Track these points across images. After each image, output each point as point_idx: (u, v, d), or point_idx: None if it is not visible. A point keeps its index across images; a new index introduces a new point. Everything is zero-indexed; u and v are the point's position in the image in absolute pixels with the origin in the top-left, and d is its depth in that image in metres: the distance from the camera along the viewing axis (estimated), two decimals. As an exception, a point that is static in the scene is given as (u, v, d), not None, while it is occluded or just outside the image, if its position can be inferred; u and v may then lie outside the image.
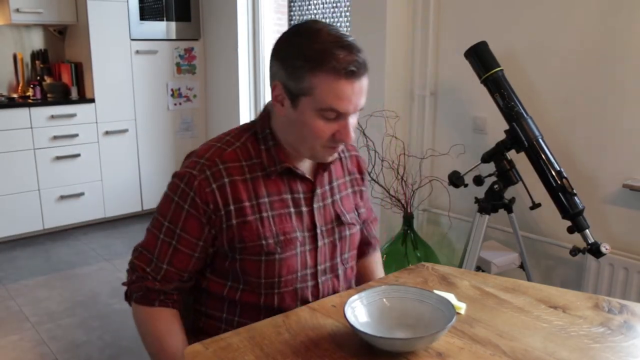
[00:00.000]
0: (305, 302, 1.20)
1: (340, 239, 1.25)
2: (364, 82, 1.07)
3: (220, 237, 1.15)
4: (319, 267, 1.22)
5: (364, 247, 1.45)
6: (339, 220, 1.24)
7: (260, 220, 1.14)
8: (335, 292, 1.26)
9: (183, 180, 1.13)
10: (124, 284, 1.21)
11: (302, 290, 1.21)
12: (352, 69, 1.03)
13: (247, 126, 1.21)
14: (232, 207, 1.12)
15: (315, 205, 1.21)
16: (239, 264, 1.15)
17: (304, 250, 1.20)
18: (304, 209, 1.19)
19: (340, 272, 1.28)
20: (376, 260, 1.50)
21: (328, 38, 1.04)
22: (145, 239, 1.19)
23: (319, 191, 1.22)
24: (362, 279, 1.44)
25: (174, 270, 1.16)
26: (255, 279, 1.16)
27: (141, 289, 1.16)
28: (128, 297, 1.21)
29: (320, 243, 1.22)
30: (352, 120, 1.09)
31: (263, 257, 1.14)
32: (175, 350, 1.14)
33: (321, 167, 1.22)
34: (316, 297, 1.22)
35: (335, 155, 1.17)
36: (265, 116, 1.20)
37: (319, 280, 1.23)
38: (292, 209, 1.18)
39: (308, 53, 1.03)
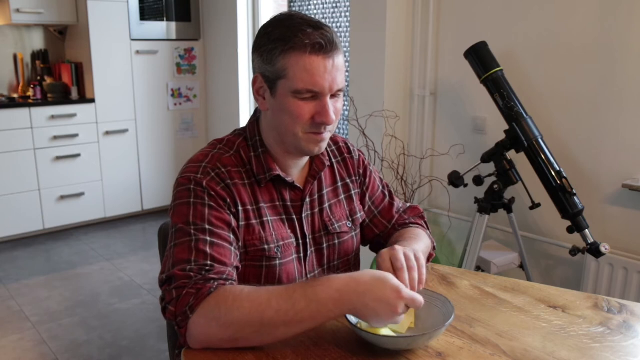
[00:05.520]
0: None
1: (328, 247, 1.25)
2: (336, 61, 1.06)
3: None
4: (309, 276, 1.22)
5: (384, 237, 1.33)
6: (326, 230, 1.24)
7: (261, 225, 1.13)
8: None
9: (191, 182, 1.08)
10: (165, 307, 0.98)
11: None
12: (319, 42, 1.03)
13: (237, 133, 1.21)
14: (240, 208, 1.11)
15: (303, 214, 1.20)
16: (240, 271, 1.12)
17: (299, 258, 1.20)
18: (294, 217, 1.19)
19: None
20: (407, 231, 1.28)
21: (297, 20, 1.06)
22: (173, 258, 1.01)
23: (308, 200, 1.21)
24: None
25: (217, 265, 1.01)
26: (256, 285, 1.15)
27: (190, 294, 0.96)
28: (178, 319, 0.96)
29: (309, 251, 1.21)
30: (332, 103, 1.08)
31: (264, 262, 1.14)
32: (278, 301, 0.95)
33: (311, 176, 1.22)
34: None
35: (322, 146, 1.13)
36: (254, 122, 1.19)
37: None
38: (284, 216, 1.18)
39: (279, 35, 1.05)
